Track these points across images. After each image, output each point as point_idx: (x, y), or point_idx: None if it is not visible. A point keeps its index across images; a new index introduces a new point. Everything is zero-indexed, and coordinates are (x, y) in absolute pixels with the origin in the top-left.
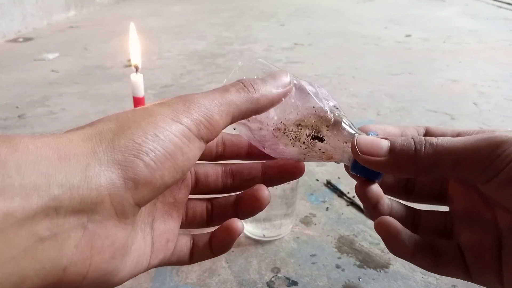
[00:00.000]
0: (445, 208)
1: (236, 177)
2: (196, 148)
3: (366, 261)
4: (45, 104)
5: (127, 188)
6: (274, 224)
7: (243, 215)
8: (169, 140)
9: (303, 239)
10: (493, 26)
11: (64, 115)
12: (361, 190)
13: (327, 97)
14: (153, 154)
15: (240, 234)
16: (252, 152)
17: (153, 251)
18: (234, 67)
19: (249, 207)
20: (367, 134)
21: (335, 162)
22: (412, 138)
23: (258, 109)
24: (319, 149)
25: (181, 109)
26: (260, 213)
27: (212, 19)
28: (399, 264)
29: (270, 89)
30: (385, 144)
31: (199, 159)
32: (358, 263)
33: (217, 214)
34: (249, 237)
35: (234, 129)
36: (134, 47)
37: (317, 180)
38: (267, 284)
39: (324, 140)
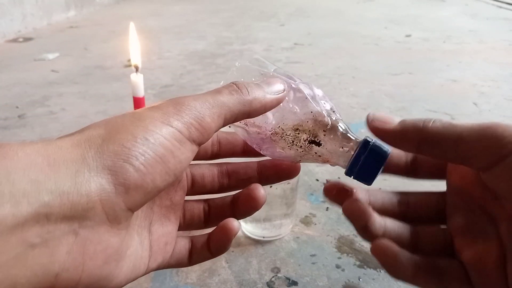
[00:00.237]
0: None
1: (232, 177)
2: (188, 151)
3: (366, 261)
4: (45, 104)
5: (117, 193)
6: (274, 224)
7: (240, 215)
8: (159, 144)
9: (303, 239)
10: (493, 26)
11: (64, 115)
12: (348, 211)
13: (323, 99)
14: (143, 158)
15: (236, 233)
16: (247, 150)
17: (151, 255)
18: (231, 68)
19: (245, 207)
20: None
21: (330, 164)
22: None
23: (250, 111)
24: (316, 153)
25: (172, 112)
26: (260, 213)
27: (212, 19)
28: None
29: (263, 93)
30: (397, 118)
31: (195, 159)
32: (358, 263)
33: (214, 215)
34: (249, 237)
35: (229, 126)
36: (134, 47)
37: (317, 180)
38: (267, 284)
39: (321, 144)
